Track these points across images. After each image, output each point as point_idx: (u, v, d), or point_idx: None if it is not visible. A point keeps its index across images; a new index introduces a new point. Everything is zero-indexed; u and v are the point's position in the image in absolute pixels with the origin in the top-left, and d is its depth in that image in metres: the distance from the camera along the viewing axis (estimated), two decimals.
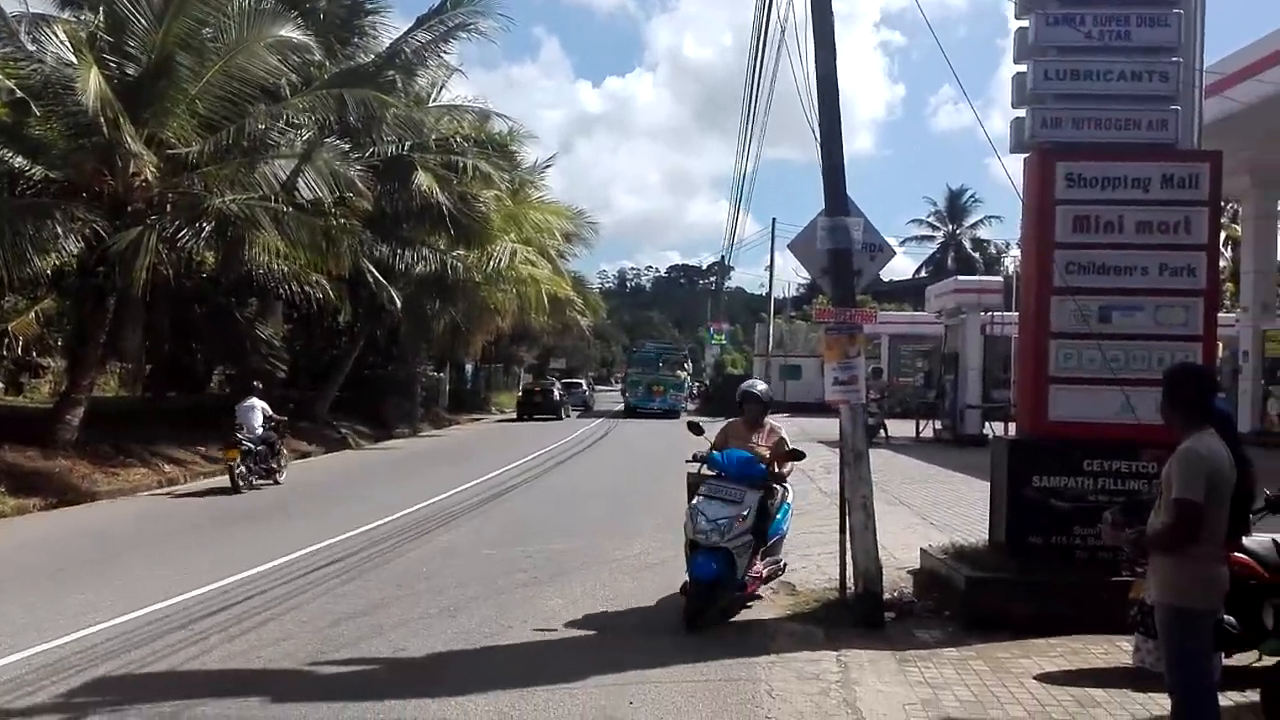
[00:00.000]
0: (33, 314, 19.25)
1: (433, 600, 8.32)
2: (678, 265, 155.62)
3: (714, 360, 58.37)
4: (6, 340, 19.98)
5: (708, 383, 54.66)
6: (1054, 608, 7.25)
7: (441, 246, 25.28)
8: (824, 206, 8.03)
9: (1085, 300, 7.76)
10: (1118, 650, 6.59)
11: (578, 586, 8.94)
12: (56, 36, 17.18)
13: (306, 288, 20.05)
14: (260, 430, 16.09)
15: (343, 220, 20.27)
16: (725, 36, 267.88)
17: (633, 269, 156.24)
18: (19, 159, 16.17)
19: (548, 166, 40.11)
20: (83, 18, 18.63)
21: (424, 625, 7.50)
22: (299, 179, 18.05)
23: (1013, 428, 13.34)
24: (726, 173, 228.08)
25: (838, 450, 8.32)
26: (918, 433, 26.60)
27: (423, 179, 22.39)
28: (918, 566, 8.91)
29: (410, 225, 24.44)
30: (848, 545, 7.73)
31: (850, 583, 7.78)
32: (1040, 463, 7.75)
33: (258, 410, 16.30)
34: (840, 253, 7.96)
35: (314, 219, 18.49)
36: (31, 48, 16.51)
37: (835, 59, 7.97)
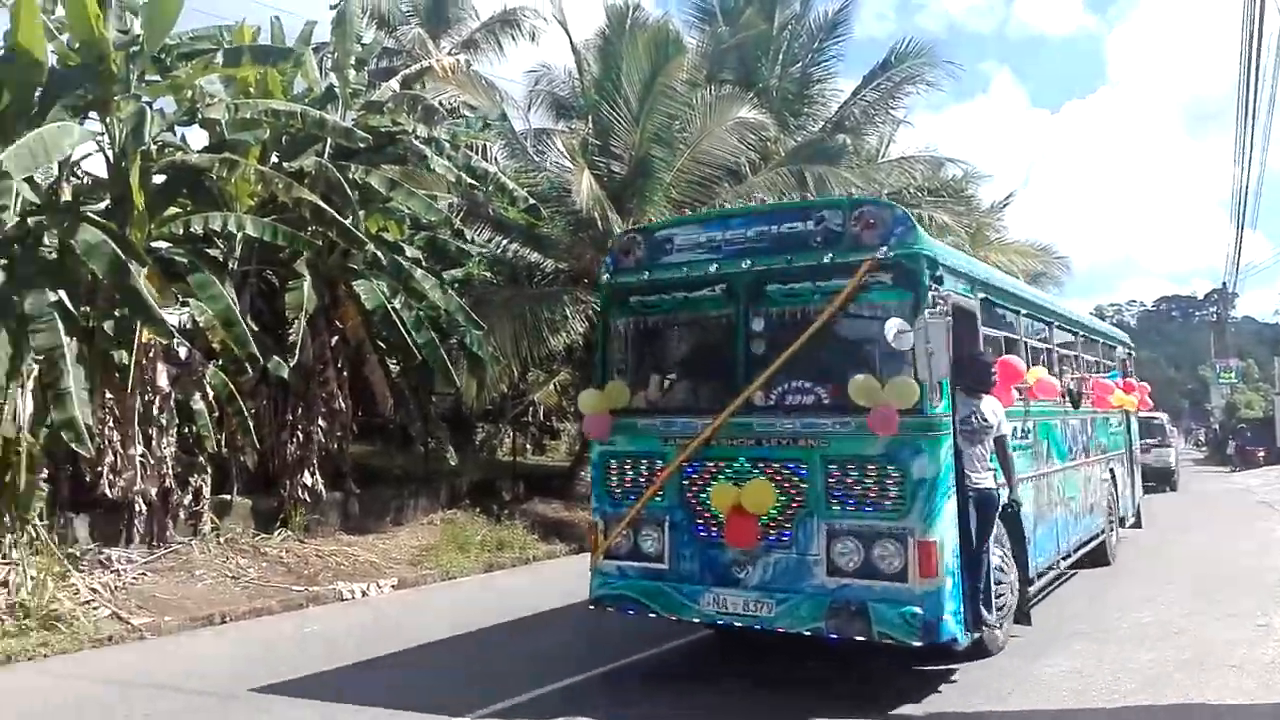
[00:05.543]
0: (551, 385, 22.49)
1: None
2: (1167, 296, 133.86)
3: (1224, 402, 51.30)
4: (532, 408, 23.48)
5: (1216, 428, 48.13)
6: None
7: None
8: None
9: None
10: None
11: None
12: (556, 146, 20.31)
13: None
14: None
15: None
16: (1205, 32, 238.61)
17: (1112, 305, 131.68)
18: (534, 254, 19.27)
19: (1005, 205, 38.33)
20: (574, 127, 21.59)
21: None
22: None
23: None
24: (1221, 187, 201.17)
25: None
26: None
27: None
28: None
29: None
30: None
31: None
32: None
33: None
34: None
35: None
36: (536, 159, 19.62)
37: None
